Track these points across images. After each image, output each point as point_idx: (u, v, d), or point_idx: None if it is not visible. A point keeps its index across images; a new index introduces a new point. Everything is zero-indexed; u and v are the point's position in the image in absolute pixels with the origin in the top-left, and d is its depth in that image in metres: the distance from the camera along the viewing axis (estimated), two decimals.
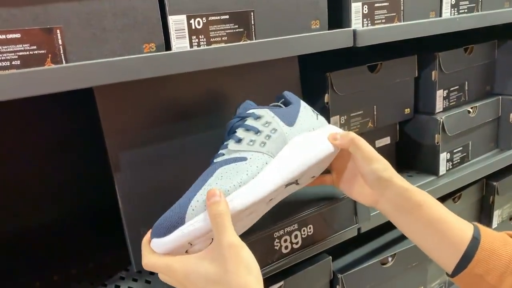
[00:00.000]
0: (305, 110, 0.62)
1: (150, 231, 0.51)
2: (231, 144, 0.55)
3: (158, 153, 0.68)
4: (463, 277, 0.56)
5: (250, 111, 0.58)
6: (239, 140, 0.55)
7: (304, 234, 0.67)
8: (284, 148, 0.56)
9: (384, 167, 0.59)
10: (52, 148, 0.82)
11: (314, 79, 0.82)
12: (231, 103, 0.73)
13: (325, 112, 0.82)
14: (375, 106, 0.90)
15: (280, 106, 0.62)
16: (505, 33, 1.10)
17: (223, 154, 0.55)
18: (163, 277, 0.50)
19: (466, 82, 1.03)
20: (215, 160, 0.55)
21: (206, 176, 0.52)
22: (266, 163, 0.54)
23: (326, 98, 0.81)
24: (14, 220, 0.76)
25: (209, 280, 0.44)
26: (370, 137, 0.89)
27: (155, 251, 0.49)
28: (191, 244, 0.49)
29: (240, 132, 0.56)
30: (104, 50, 0.51)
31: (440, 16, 0.85)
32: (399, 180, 0.59)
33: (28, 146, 0.79)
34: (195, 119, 0.71)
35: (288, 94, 0.63)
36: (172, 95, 0.69)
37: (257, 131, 0.56)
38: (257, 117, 0.57)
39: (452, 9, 0.86)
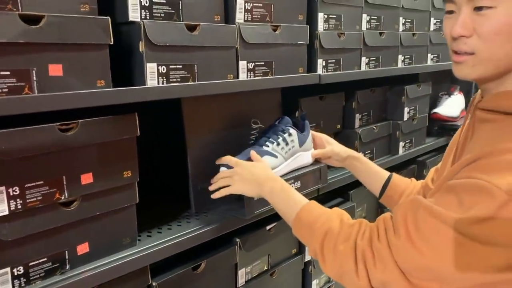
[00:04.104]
0: (310, 137, 1.20)
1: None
2: (272, 145, 1.11)
3: (213, 141, 1.17)
4: (384, 198, 1.14)
5: (288, 127, 1.14)
6: (278, 144, 1.12)
7: (295, 187, 1.18)
8: (292, 157, 1.15)
9: (342, 151, 1.18)
10: (150, 144, 1.25)
11: (290, 103, 1.37)
12: (250, 116, 1.24)
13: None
14: (322, 121, 1.46)
15: (297, 126, 1.18)
16: (396, 81, 1.75)
17: (268, 146, 1.10)
18: (228, 172, 1.03)
19: (371, 110, 1.65)
20: (264, 147, 1.10)
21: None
22: (282, 163, 1.12)
23: (297, 114, 1.36)
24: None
25: (256, 168, 1.00)
26: None
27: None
28: None
29: (280, 140, 1.12)
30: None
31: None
32: (352, 153, 1.18)
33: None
34: (233, 122, 1.21)
35: (307, 124, 1.20)
36: (221, 106, 1.19)
37: (287, 144, 1.13)
38: (290, 134, 1.14)
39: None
